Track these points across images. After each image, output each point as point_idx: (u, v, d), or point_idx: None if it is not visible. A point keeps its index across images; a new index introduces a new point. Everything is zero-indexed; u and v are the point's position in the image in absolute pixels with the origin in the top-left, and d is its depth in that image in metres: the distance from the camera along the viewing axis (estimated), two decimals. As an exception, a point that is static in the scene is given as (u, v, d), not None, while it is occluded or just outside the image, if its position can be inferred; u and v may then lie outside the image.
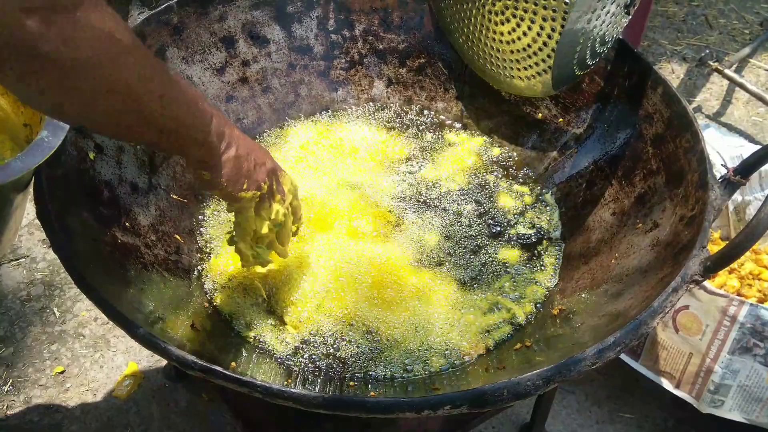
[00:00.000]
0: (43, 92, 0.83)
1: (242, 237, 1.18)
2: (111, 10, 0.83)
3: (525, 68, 1.36)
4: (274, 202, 1.19)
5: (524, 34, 1.32)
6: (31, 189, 1.12)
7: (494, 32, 1.37)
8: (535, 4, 1.27)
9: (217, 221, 1.39)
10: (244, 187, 1.13)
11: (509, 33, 1.34)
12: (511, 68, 1.39)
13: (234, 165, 1.11)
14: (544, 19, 1.27)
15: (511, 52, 1.36)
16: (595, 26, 1.24)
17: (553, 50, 1.28)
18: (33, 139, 1.08)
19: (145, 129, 0.97)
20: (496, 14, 1.34)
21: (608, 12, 1.24)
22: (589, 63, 1.33)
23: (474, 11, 1.37)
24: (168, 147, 1.06)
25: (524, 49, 1.34)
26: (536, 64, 1.33)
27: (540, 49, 1.31)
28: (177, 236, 1.32)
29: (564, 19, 1.23)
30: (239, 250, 1.20)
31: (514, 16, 1.31)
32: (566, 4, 1.22)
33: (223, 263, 1.31)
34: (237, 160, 1.11)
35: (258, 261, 1.21)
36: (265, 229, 1.18)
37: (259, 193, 1.15)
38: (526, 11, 1.29)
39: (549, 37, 1.28)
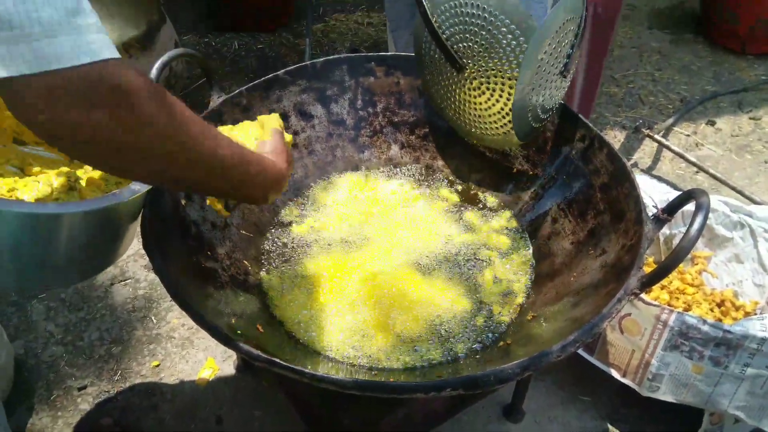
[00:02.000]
0: (112, 169, 0.78)
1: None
2: (168, 100, 0.74)
3: (500, 127, 1.36)
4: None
5: (496, 101, 1.33)
6: (138, 225, 1.13)
7: (474, 103, 1.37)
8: (502, 83, 1.28)
9: (274, 250, 1.39)
10: (269, 202, 1.04)
11: (485, 102, 1.35)
12: (490, 128, 1.39)
13: (262, 193, 0.99)
14: (510, 91, 1.28)
15: (489, 116, 1.37)
16: (540, 93, 1.26)
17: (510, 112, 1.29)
18: None
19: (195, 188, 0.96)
20: (475, 89, 1.34)
21: (548, 81, 1.25)
22: (543, 117, 1.34)
23: (458, 90, 1.38)
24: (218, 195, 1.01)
25: (498, 113, 1.34)
26: (508, 122, 1.33)
27: (508, 112, 1.31)
28: (245, 261, 1.33)
29: (511, 90, 1.26)
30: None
31: (488, 89, 1.32)
32: (515, 80, 1.24)
33: (277, 283, 1.32)
34: (264, 191, 0.99)
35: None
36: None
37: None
38: (495, 84, 1.30)
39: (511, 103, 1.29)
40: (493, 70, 1.28)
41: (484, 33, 1.25)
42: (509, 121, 1.33)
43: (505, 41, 1.24)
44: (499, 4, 1.22)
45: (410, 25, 1.92)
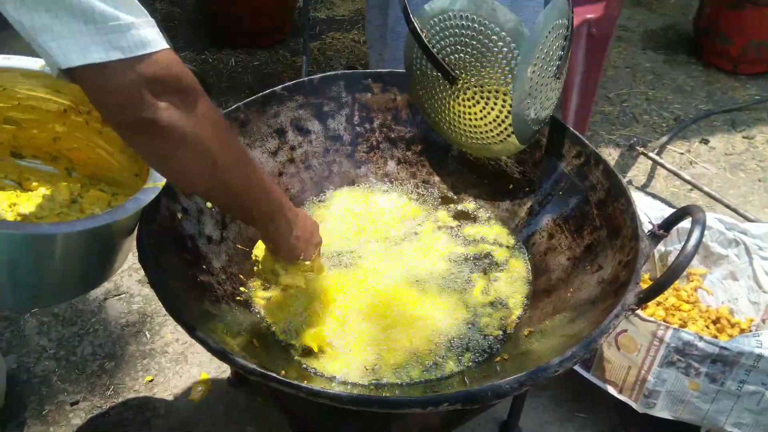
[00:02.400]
0: (164, 158, 0.85)
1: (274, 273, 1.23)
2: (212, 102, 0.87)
3: (497, 135, 1.37)
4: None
5: (491, 109, 1.33)
6: (133, 240, 1.13)
7: (469, 114, 1.38)
8: (496, 90, 1.29)
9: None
10: (300, 259, 1.18)
11: (480, 111, 1.35)
12: (486, 137, 1.39)
13: (293, 245, 1.14)
14: (504, 98, 1.29)
15: (485, 125, 1.37)
16: (537, 97, 1.27)
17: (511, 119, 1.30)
18: (141, 187, 1.10)
19: (230, 202, 1.01)
20: (469, 100, 1.35)
21: (544, 84, 1.27)
22: (541, 120, 1.35)
23: (452, 102, 1.39)
24: (245, 219, 1.11)
25: (493, 121, 1.35)
26: (505, 129, 1.34)
27: (504, 119, 1.32)
28: (241, 276, 1.32)
29: (505, 98, 1.27)
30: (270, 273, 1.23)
31: (482, 98, 1.33)
32: (509, 87, 1.26)
33: (274, 298, 1.31)
34: (296, 241, 1.14)
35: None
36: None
37: (307, 264, 1.20)
38: (489, 93, 1.31)
39: (509, 111, 1.30)
40: (486, 79, 1.29)
41: (475, 43, 1.27)
42: (505, 129, 1.34)
43: (496, 49, 1.25)
44: (489, 14, 1.23)
45: (380, 44, 1.95)
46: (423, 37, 1.30)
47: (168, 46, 0.78)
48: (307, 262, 1.20)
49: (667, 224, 1.16)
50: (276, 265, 1.21)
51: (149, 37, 0.76)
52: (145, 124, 0.78)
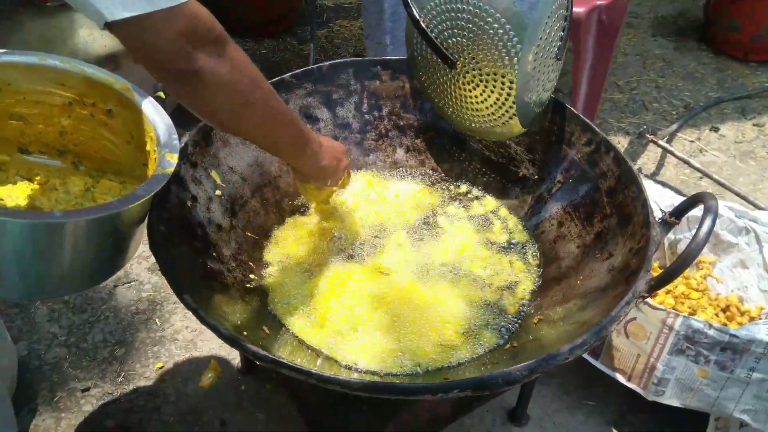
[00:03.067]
0: (205, 103, 0.92)
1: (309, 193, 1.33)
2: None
3: (498, 117, 1.36)
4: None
5: (491, 92, 1.32)
6: (144, 229, 1.13)
7: (470, 97, 1.37)
8: (495, 73, 1.28)
9: (278, 252, 1.39)
10: (327, 184, 1.28)
11: (481, 94, 1.34)
12: (488, 121, 1.38)
13: (321, 171, 1.24)
14: (503, 81, 1.28)
15: (486, 108, 1.36)
16: (539, 79, 1.27)
17: (513, 101, 1.29)
18: (150, 176, 1.09)
19: (262, 136, 1.09)
20: (469, 83, 1.34)
21: (545, 66, 1.28)
22: (543, 102, 1.35)
23: (453, 87, 1.38)
24: (275, 152, 1.20)
25: (494, 104, 1.34)
26: (506, 112, 1.33)
27: (504, 101, 1.31)
28: (251, 263, 1.32)
29: (512, 82, 1.26)
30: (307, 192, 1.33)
31: (482, 81, 1.32)
32: (507, 69, 1.25)
33: (283, 285, 1.31)
34: (323, 169, 1.24)
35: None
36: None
37: (335, 188, 1.32)
38: (488, 75, 1.30)
39: (509, 93, 1.29)
40: (484, 62, 1.28)
41: (471, 26, 1.26)
42: (506, 111, 1.33)
43: (492, 31, 1.24)
44: None
45: (377, 31, 1.94)
46: (421, 22, 1.29)
47: None
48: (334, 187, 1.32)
49: (679, 212, 1.16)
50: (306, 191, 1.32)
51: None
52: (189, 74, 0.85)
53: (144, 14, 0.78)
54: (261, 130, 1.06)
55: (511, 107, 1.31)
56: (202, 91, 0.89)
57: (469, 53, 1.29)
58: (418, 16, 1.30)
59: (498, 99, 1.32)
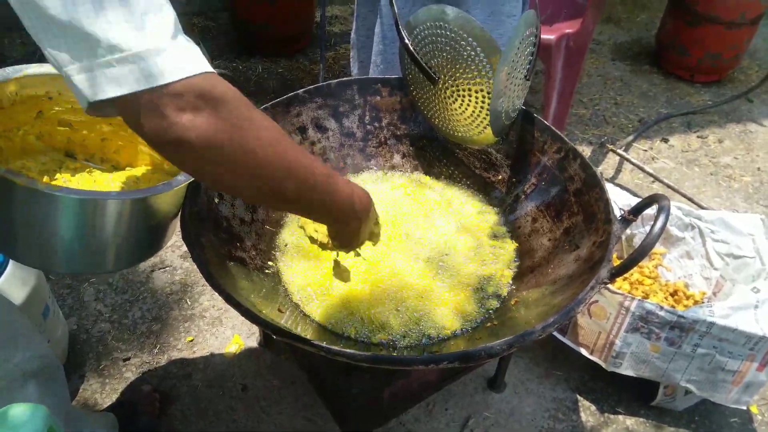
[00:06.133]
0: (196, 171, 0.70)
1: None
2: (253, 107, 0.70)
3: (475, 127, 1.35)
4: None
5: (467, 106, 1.31)
6: (177, 221, 1.12)
7: (450, 110, 1.36)
8: (470, 89, 1.28)
9: (292, 242, 1.38)
10: (356, 245, 1.02)
11: (459, 107, 1.33)
12: (468, 130, 1.37)
13: (352, 235, 0.96)
14: (477, 95, 1.27)
15: (464, 119, 1.35)
16: (510, 96, 1.26)
17: (487, 113, 1.29)
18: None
19: (282, 207, 0.87)
20: (449, 97, 1.33)
21: (516, 85, 1.26)
22: (512, 115, 1.34)
23: (437, 100, 1.38)
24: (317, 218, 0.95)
25: (470, 116, 1.33)
26: (481, 122, 1.32)
27: (478, 114, 1.31)
28: (269, 252, 1.32)
29: (487, 95, 1.25)
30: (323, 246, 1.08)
31: (459, 96, 1.31)
32: (479, 85, 1.24)
33: (296, 271, 1.31)
34: (356, 234, 0.96)
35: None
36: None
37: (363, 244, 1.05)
38: (464, 91, 1.29)
39: (482, 106, 1.28)
40: (460, 79, 1.28)
41: (449, 49, 1.26)
42: (481, 122, 1.32)
43: (465, 53, 1.24)
44: (458, 23, 1.22)
45: (363, 52, 1.89)
46: (410, 46, 1.29)
47: (194, 71, 0.63)
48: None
49: (636, 210, 1.15)
50: (329, 247, 1.07)
51: (169, 66, 0.62)
52: (175, 143, 0.63)
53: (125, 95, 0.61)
54: (279, 201, 0.78)
55: (485, 119, 1.31)
56: (199, 162, 0.66)
57: (448, 71, 1.29)
58: (407, 40, 1.29)
59: (474, 111, 1.31)
